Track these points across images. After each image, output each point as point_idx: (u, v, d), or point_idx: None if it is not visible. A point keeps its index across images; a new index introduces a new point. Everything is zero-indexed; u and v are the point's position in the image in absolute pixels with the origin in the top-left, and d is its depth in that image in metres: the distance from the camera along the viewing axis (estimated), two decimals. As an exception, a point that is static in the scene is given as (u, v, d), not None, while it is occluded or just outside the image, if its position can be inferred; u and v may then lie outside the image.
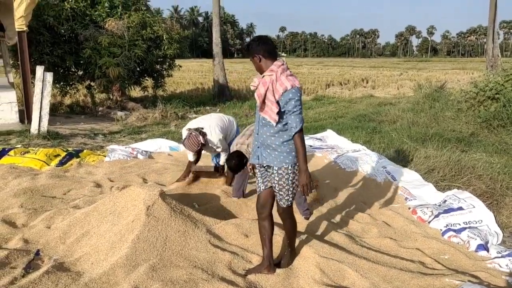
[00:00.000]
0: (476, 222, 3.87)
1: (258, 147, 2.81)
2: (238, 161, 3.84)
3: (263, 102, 2.64)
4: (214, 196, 4.39)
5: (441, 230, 3.84)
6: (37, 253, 3.10)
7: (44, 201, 4.15)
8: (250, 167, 2.98)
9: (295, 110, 2.60)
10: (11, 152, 5.83)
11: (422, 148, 6.14)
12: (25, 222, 3.64)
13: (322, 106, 13.74)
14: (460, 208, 4.09)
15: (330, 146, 7.00)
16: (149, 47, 12.09)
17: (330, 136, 7.65)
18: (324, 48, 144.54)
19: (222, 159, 4.68)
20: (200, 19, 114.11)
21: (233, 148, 4.11)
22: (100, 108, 12.13)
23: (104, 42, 10.94)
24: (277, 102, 2.60)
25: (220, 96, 15.40)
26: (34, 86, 8.24)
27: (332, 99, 15.77)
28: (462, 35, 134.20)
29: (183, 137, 4.52)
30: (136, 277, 2.71)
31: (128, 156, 6.08)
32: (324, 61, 69.95)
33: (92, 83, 12.49)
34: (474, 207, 4.07)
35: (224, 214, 3.94)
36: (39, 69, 7.76)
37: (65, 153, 5.93)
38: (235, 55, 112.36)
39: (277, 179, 2.74)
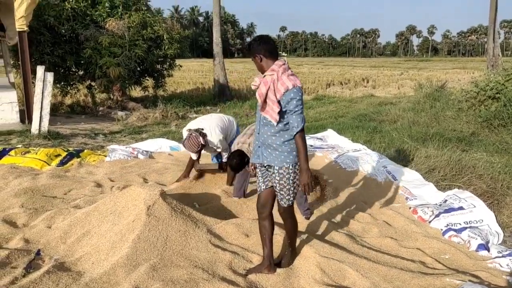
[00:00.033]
0: (477, 222, 3.87)
1: (259, 147, 2.81)
2: (239, 160, 3.84)
3: (264, 101, 2.64)
4: (214, 196, 4.39)
5: (441, 229, 3.84)
6: (38, 253, 3.10)
7: (44, 201, 4.16)
8: (252, 167, 2.98)
9: (296, 109, 2.60)
10: (12, 152, 5.84)
11: (423, 148, 6.14)
12: (25, 222, 3.65)
13: (322, 105, 13.73)
14: (461, 208, 4.09)
15: (330, 146, 6.99)
16: (150, 47, 12.09)
17: (330, 136, 7.65)
18: (325, 48, 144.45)
19: (225, 157, 4.67)
20: (201, 19, 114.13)
21: (234, 147, 4.11)
22: (101, 108, 12.14)
23: (104, 42, 10.95)
24: (278, 102, 2.59)
25: (220, 96, 15.40)
26: (34, 86, 8.25)
27: (333, 99, 15.74)
28: (463, 34, 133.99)
29: (184, 137, 4.53)
30: (137, 276, 2.72)
31: (129, 156, 6.08)
32: (324, 61, 69.95)
33: (93, 83, 12.50)
34: (474, 206, 4.06)
35: (225, 214, 3.94)
36: (40, 69, 7.76)
37: (65, 153, 5.93)
38: (236, 55, 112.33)
39: (278, 178, 2.74)
